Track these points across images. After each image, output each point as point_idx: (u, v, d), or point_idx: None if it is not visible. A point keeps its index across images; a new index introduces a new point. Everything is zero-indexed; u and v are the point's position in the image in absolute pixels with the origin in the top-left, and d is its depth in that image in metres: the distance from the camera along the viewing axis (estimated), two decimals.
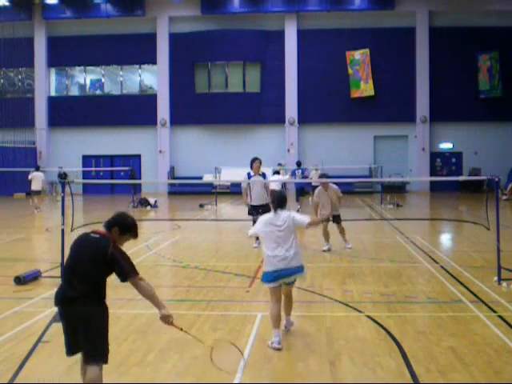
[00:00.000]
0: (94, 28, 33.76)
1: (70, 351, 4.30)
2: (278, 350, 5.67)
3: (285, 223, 6.05)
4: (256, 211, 11.73)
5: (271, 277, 5.94)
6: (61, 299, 4.26)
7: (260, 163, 12.10)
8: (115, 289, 8.53)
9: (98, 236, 4.36)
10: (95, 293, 4.27)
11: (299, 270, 6.01)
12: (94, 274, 4.25)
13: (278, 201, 6.26)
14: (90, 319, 4.18)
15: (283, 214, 6.14)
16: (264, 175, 12.34)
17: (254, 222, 11.61)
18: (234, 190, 29.48)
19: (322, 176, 13.11)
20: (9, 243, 14.26)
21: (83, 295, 4.19)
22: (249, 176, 12.24)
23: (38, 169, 22.99)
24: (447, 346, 5.81)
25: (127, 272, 4.28)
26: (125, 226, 4.45)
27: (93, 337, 4.18)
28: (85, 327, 4.16)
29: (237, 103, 32.68)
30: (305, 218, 6.31)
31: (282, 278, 5.94)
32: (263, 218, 6.30)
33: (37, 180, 21.79)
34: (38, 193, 21.88)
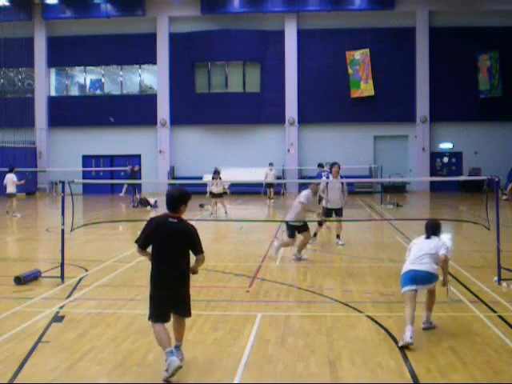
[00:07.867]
0: (93, 28, 33.73)
1: (166, 319, 5.18)
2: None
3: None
4: (330, 214, 12.17)
5: None
6: (167, 279, 5.15)
7: (339, 167, 12.38)
8: (115, 289, 8.55)
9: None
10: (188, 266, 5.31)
11: None
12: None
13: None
14: (187, 289, 5.34)
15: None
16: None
17: (320, 223, 11.92)
18: (233, 190, 29.45)
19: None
20: (9, 243, 14.27)
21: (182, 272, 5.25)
22: (327, 177, 12.90)
23: (11, 170, 20.68)
24: (447, 346, 5.81)
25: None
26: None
27: (188, 299, 5.34)
28: (183, 295, 5.28)
29: (237, 103, 32.63)
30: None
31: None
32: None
33: (10, 182, 19.97)
34: (10, 195, 19.93)
